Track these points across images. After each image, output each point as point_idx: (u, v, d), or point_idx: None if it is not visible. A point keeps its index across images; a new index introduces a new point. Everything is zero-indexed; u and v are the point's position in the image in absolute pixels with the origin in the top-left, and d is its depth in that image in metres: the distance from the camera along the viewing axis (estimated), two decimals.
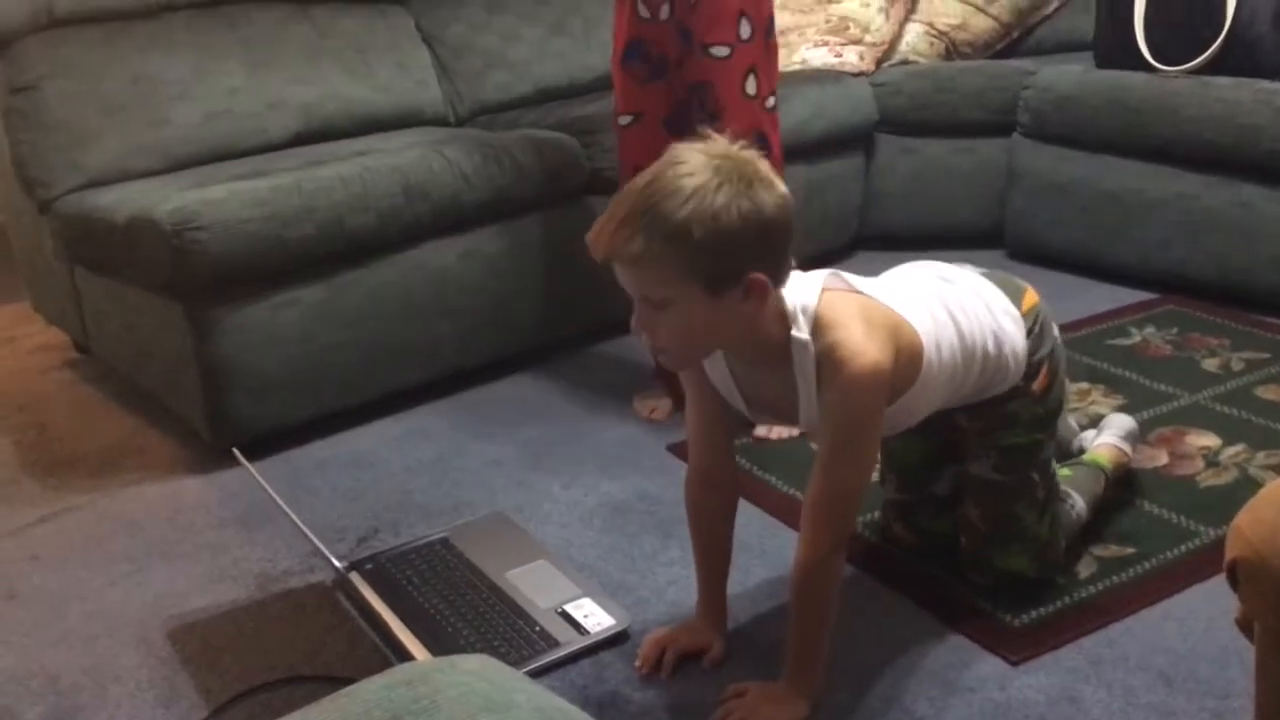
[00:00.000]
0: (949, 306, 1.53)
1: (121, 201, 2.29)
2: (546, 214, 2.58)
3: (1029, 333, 1.60)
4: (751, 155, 1.32)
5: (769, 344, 1.41)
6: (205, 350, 2.19)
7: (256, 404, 2.25)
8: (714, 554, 1.62)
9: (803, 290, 1.41)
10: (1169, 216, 2.81)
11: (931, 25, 3.36)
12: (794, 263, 1.38)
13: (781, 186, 1.33)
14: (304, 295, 2.26)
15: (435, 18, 3.09)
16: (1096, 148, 2.93)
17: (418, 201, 2.35)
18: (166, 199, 2.16)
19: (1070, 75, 3.00)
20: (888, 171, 3.25)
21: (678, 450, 2.18)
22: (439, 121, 3.00)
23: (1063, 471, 1.80)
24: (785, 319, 1.40)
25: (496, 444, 2.29)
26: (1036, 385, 1.61)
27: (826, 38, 3.31)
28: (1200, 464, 2.05)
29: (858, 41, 3.29)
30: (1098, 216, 2.95)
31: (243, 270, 2.16)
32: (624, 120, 2.21)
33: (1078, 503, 1.79)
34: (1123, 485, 1.96)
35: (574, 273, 2.64)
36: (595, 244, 1.32)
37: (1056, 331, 1.67)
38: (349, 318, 2.33)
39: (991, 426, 1.64)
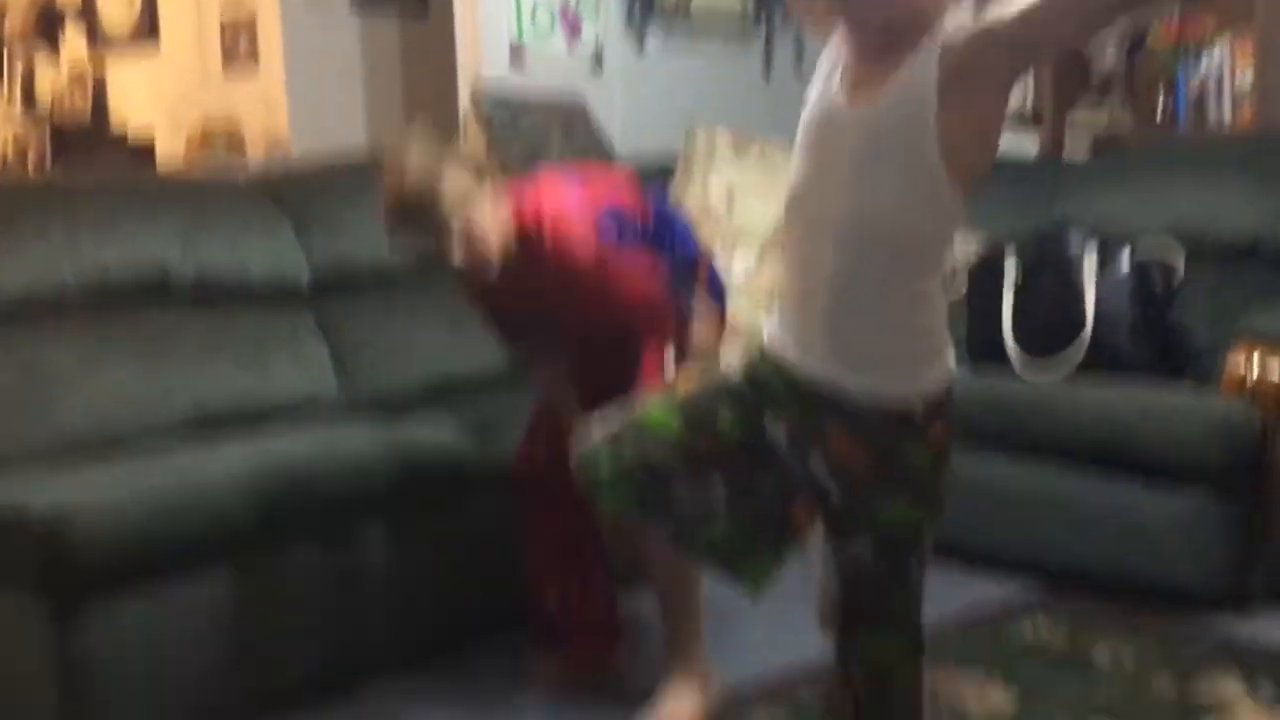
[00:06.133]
0: None
1: None
2: (445, 509, 2.54)
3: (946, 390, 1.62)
4: None
5: None
6: (69, 655, 2.05)
7: (122, 715, 2.10)
8: None
9: None
10: (1054, 513, 2.87)
11: None
12: None
13: None
14: (183, 594, 2.16)
15: (333, 312, 3.12)
16: (978, 447, 3.01)
17: (306, 495, 2.30)
18: (41, 493, 2.09)
19: None
20: None
21: None
22: (335, 411, 2.98)
23: None
24: None
25: None
26: (932, 433, 1.60)
27: None
28: None
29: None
30: (984, 514, 2.98)
31: (118, 568, 2.07)
32: None
33: None
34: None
35: (476, 567, 2.57)
36: None
37: None
38: (230, 618, 2.22)
39: (880, 462, 1.61)
